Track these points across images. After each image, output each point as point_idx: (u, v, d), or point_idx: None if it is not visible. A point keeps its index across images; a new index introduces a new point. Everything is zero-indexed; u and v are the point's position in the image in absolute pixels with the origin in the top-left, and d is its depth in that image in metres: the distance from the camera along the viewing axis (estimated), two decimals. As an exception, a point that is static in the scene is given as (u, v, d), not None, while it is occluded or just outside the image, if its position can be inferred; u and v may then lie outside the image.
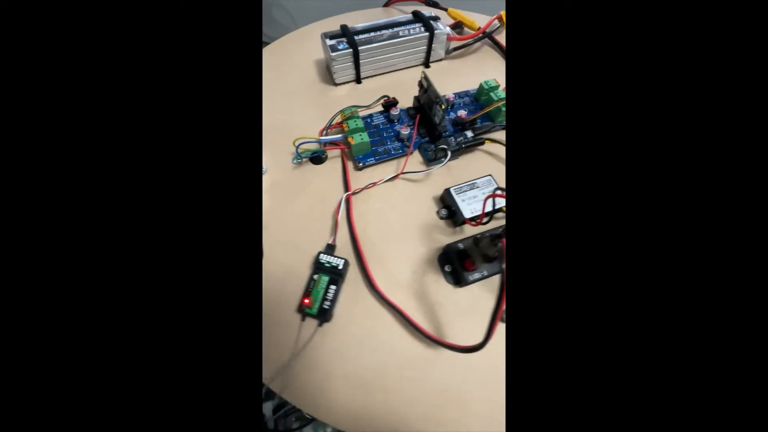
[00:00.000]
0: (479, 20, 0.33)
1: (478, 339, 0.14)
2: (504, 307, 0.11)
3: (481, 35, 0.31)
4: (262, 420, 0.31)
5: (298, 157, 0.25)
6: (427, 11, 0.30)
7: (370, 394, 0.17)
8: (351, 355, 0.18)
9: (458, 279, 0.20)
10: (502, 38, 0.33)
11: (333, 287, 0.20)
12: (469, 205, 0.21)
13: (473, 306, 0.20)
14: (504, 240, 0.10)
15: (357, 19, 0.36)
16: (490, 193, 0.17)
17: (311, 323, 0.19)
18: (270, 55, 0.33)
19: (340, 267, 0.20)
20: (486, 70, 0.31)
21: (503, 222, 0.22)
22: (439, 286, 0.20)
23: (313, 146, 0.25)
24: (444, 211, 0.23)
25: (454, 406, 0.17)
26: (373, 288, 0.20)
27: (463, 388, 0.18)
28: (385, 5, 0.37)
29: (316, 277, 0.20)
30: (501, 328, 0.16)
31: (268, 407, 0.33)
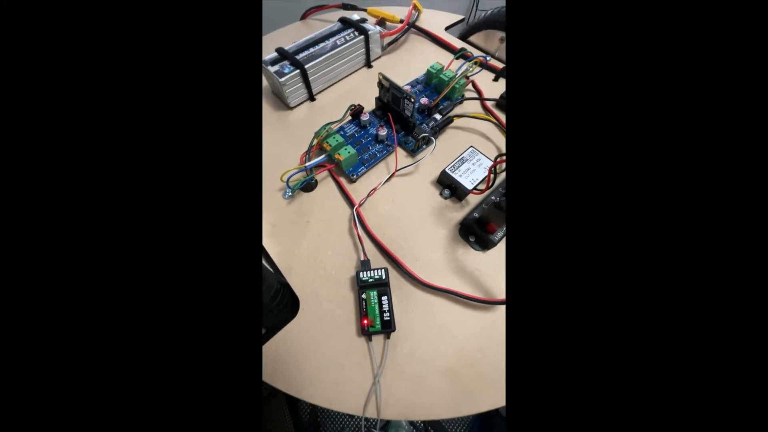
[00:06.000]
0: (397, 13, 0.35)
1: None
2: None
3: (407, 26, 0.33)
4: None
5: (290, 191, 0.24)
6: (349, 14, 0.31)
7: (461, 375, 0.19)
8: (428, 350, 0.19)
9: (484, 244, 0.22)
10: (422, 24, 0.35)
11: (384, 298, 0.20)
12: (467, 178, 0.24)
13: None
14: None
15: (281, 38, 0.35)
16: (492, 162, 0.19)
17: (378, 339, 0.19)
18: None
19: (384, 277, 0.20)
20: (422, 56, 0.33)
21: (497, 184, 0.24)
22: (471, 255, 0.22)
23: (301, 175, 0.24)
24: (447, 191, 0.24)
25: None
26: (418, 283, 0.21)
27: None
28: (302, 18, 0.36)
29: (364, 296, 0.20)
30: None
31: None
